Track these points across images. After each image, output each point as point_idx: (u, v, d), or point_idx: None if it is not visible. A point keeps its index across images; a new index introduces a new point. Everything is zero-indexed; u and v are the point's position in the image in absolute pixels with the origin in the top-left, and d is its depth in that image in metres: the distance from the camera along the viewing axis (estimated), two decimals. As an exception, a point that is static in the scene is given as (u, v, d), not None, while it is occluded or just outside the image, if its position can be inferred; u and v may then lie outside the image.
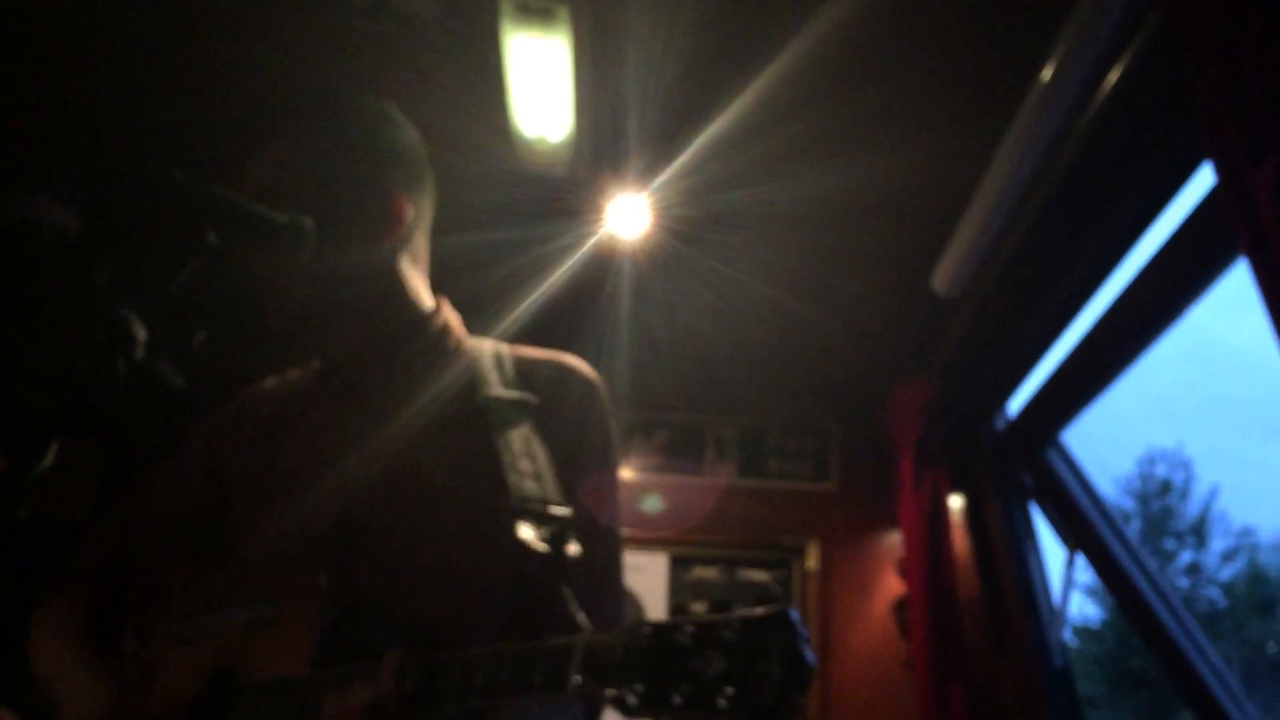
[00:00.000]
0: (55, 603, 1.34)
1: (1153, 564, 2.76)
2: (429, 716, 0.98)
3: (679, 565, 3.72)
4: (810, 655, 0.78)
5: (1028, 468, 3.12)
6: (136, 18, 2.15)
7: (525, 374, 1.34)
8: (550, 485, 1.23)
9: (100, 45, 2.23)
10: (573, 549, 1.17)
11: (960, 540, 3.28)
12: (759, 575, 3.72)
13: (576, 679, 0.85)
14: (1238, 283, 1.97)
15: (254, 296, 1.27)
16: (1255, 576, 21.61)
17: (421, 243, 1.38)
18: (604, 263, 2.98)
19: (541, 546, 1.16)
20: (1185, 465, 23.41)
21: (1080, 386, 2.77)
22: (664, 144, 2.44)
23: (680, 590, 3.68)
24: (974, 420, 3.32)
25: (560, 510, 1.20)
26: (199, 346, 1.28)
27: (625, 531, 3.68)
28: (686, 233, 2.82)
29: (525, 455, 1.24)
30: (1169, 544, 22.47)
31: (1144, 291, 2.32)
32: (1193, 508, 22.97)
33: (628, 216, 2.76)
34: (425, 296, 1.37)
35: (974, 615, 3.16)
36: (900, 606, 3.61)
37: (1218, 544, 22.52)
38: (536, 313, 3.09)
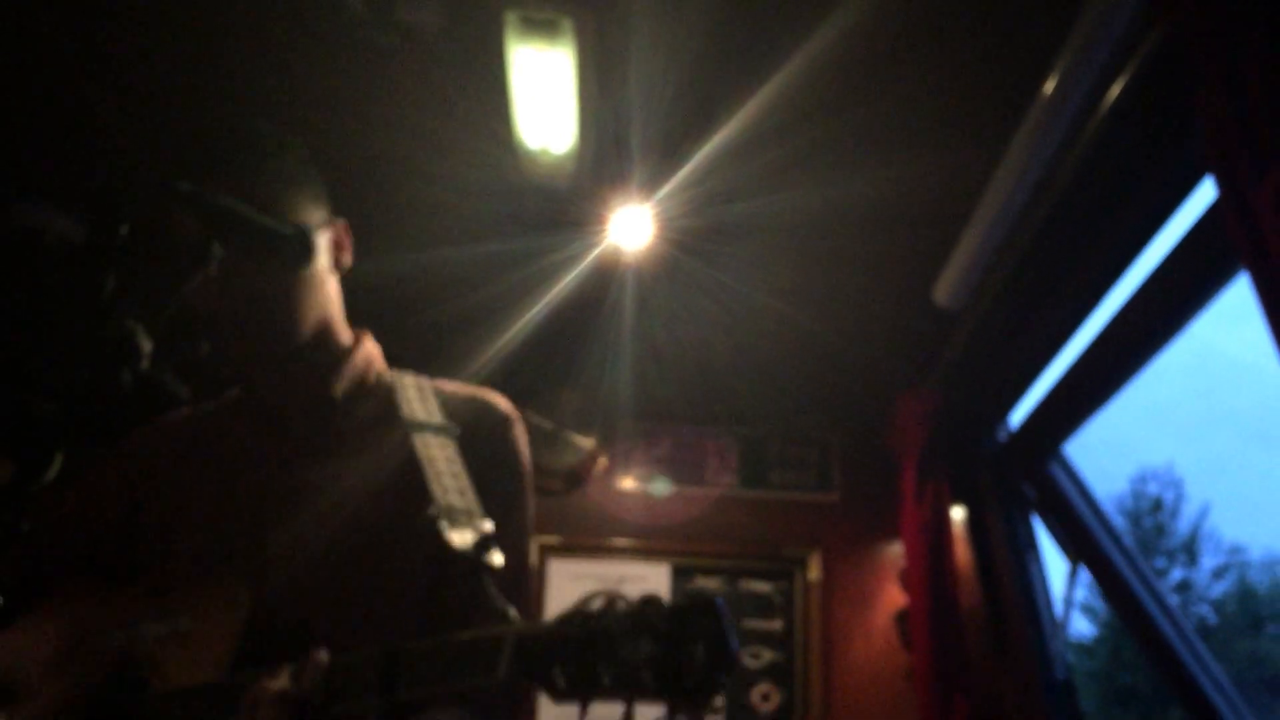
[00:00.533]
0: None
1: (1153, 577, 2.75)
2: (354, 710, 0.98)
3: (681, 575, 3.72)
4: (734, 642, 0.83)
5: (1030, 479, 3.12)
6: (140, 27, 2.16)
7: (446, 405, 1.38)
8: (473, 501, 1.25)
9: (105, 54, 2.24)
10: (497, 559, 1.17)
11: (962, 551, 3.28)
12: (760, 586, 3.72)
13: (508, 667, 0.88)
14: (1238, 295, 1.97)
15: (188, 319, 1.28)
16: (1245, 594, 21.60)
17: (332, 280, 1.41)
18: (607, 274, 2.98)
19: (469, 551, 1.17)
20: (1176, 484, 23.53)
21: (1082, 398, 2.77)
22: (667, 155, 2.44)
23: (682, 601, 3.68)
24: (976, 431, 3.32)
25: (485, 523, 1.22)
26: (204, 358, 1.29)
27: (627, 541, 3.71)
28: (690, 244, 2.82)
29: (450, 474, 1.27)
30: (1160, 562, 22.49)
31: (1146, 304, 2.32)
32: (1183, 525, 23.02)
33: (631, 228, 2.77)
34: (343, 331, 1.41)
35: (976, 627, 3.16)
36: (902, 618, 3.60)
37: (1208, 561, 22.62)
38: (540, 323, 3.10)
